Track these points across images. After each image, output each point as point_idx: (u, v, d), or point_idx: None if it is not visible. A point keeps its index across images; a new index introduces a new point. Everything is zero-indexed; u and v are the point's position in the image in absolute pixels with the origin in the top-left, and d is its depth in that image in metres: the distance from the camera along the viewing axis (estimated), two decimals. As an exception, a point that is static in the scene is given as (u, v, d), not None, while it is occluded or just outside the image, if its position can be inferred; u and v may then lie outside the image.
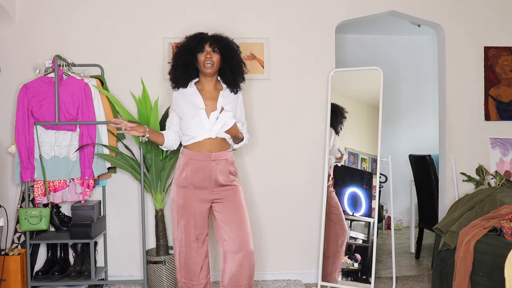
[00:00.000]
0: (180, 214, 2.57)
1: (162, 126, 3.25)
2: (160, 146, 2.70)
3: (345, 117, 3.40)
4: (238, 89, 2.71)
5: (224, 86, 2.68)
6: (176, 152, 3.15)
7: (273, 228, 3.55)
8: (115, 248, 3.48)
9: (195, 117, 2.57)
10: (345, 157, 3.37)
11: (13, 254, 3.11)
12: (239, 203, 2.61)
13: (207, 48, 2.59)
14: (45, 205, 3.24)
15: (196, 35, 2.63)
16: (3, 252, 3.16)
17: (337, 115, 3.42)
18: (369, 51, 5.68)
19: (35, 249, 3.34)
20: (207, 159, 2.56)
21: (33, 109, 3.09)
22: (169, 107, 3.33)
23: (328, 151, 3.40)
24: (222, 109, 2.57)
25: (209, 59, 2.57)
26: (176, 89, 2.66)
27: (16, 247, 3.28)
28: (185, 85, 2.63)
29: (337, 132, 3.41)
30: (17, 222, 3.29)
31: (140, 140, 2.61)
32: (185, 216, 2.56)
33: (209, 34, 2.66)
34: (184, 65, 2.60)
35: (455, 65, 3.64)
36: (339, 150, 3.39)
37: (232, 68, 2.65)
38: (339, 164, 3.38)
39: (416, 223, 4.73)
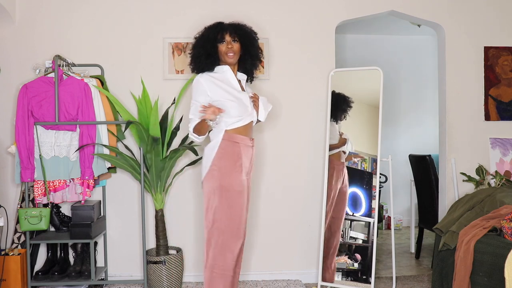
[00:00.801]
0: (235, 200, 2.53)
1: (162, 126, 3.26)
2: (198, 137, 2.55)
3: (350, 106, 3.37)
4: (255, 77, 2.84)
5: (240, 75, 2.74)
6: (176, 152, 3.15)
7: (273, 228, 3.55)
8: (115, 248, 3.48)
9: (237, 100, 2.58)
10: (348, 145, 3.34)
11: (13, 254, 3.11)
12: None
13: (227, 38, 2.62)
14: (45, 205, 3.24)
15: (215, 26, 2.66)
16: (3, 252, 3.16)
17: (337, 104, 3.41)
18: (369, 51, 5.68)
19: (35, 249, 3.34)
20: (250, 144, 2.61)
21: (33, 109, 3.09)
22: (169, 108, 3.35)
23: (328, 151, 3.40)
24: (256, 95, 2.66)
25: (230, 49, 2.61)
26: (202, 72, 2.64)
27: (16, 247, 3.28)
28: (211, 69, 2.64)
29: (335, 120, 3.40)
30: (17, 222, 3.30)
31: (210, 124, 2.49)
32: (239, 201, 2.55)
33: (228, 23, 2.69)
34: (205, 55, 2.61)
35: (455, 65, 3.64)
36: (340, 134, 3.37)
37: (252, 56, 2.71)
38: (336, 154, 3.38)
39: (416, 223, 4.73)
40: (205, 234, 2.58)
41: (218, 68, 2.66)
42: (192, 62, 2.68)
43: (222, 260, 2.54)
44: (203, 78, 2.59)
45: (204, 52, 2.61)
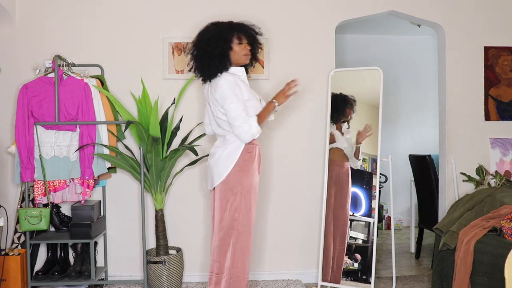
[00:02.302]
0: (254, 201, 2.54)
1: (162, 126, 3.26)
2: (257, 135, 2.51)
3: (351, 104, 3.36)
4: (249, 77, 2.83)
5: None
6: (176, 152, 3.15)
7: (273, 228, 3.55)
8: (115, 248, 3.48)
9: (257, 100, 2.58)
10: (339, 142, 3.35)
11: (13, 254, 3.11)
12: None
13: (244, 39, 2.58)
14: (45, 205, 3.24)
15: (232, 25, 2.57)
16: (3, 252, 3.16)
17: (336, 105, 3.42)
18: (369, 51, 5.68)
19: (35, 249, 3.34)
20: (259, 145, 2.63)
21: (33, 109, 3.09)
22: (169, 108, 3.35)
23: (328, 151, 3.40)
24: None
25: (248, 50, 2.58)
26: (220, 73, 2.52)
27: (16, 247, 3.28)
28: (227, 69, 2.55)
29: (334, 121, 3.40)
30: (17, 222, 3.30)
31: (277, 108, 2.55)
32: (256, 202, 2.57)
33: (242, 22, 2.62)
34: (220, 55, 2.51)
35: (455, 65, 3.64)
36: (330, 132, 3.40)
37: (256, 57, 2.71)
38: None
39: (416, 223, 4.73)
40: (218, 237, 2.51)
41: (234, 69, 2.58)
42: (205, 64, 2.52)
43: (242, 263, 2.50)
44: (231, 77, 2.49)
45: (218, 53, 2.50)
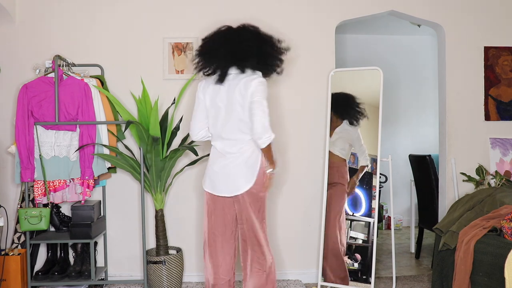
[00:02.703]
0: None
1: (162, 126, 3.26)
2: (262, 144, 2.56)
3: (353, 104, 3.38)
4: None
5: None
6: (176, 152, 3.15)
7: (273, 228, 3.55)
8: (115, 248, 3.48)
9: None
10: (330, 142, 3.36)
11: (13, 254, 3.11)
12: None
13: None
14: (45, 205, 3.24)
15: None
16: (3, 252, 3.16)
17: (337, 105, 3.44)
18: (369, 51, 5.68)
19: (35, 249, 3.34)
20: None
21: (33, 109, 3.09)
22: (169, 108, 3.34)
23: (328, 151, 3.40)
24: None
25: None
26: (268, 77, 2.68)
27: (16, 247, 3.28)
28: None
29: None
30: (17, 222, 3.30)
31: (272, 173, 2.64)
32: None
33: None
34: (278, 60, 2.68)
35: (455, 65, 3.64)
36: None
37: None
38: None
39: (416, 223, 4.73)
40: (263, 235, 2.70)
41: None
42: (258, 60, 2.59)
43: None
44: (264, 80, 2.60)
45: (274, 57, 2.67)
